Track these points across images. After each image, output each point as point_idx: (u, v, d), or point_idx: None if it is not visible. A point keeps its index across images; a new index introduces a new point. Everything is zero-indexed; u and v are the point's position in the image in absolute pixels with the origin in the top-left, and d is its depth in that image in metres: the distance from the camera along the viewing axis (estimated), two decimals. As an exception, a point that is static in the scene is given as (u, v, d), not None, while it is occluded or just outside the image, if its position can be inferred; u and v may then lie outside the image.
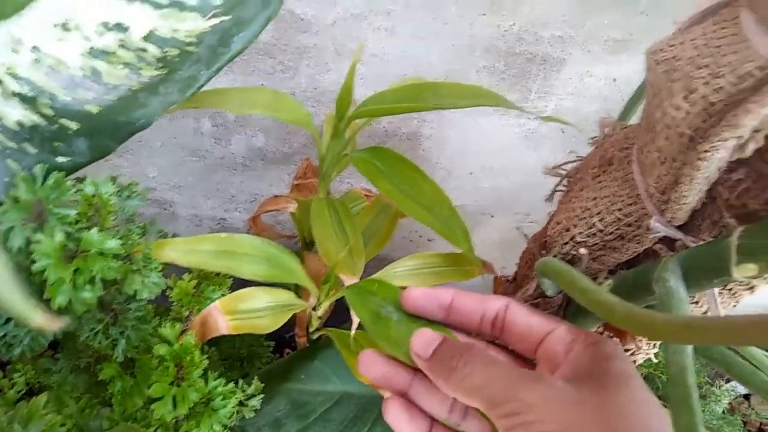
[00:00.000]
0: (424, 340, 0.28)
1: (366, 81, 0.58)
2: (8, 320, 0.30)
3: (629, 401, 0.24)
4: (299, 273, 0.41)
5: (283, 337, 0.76)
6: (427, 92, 0.41)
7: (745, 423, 0.94)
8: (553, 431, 0.23)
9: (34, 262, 0.28)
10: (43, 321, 0.17)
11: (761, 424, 0.98)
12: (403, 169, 0.42)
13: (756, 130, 0.24)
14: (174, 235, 0.44)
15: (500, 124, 0.64)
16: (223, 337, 0.41)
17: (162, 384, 0.32)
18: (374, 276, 0.44)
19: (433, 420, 0.30)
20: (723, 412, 0.88)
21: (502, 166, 0.71)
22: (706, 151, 0.25)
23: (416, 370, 0.30)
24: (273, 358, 0.56)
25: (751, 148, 0.24)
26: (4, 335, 0.30)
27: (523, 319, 0.28)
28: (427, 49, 0.55)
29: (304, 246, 0.58)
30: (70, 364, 0.38)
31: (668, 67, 0.26)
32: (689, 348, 0.23)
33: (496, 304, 0.29)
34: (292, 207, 0.55)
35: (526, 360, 0.29)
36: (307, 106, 0.60)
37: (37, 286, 0.30)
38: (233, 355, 0.58)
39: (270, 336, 0.49)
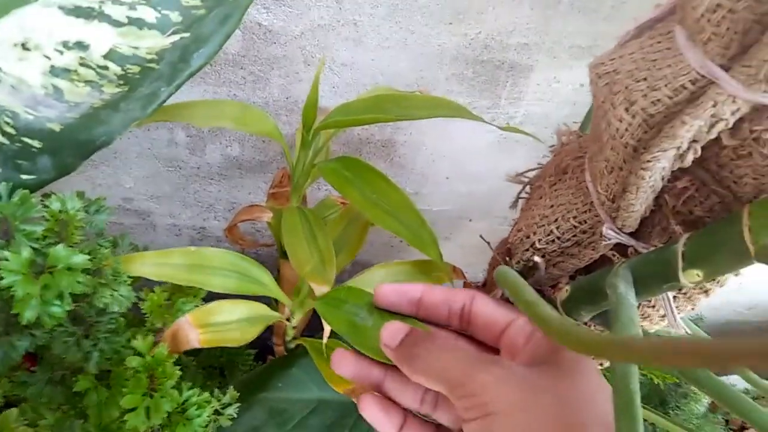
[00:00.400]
0: (391, 331, 0.30)
1: (338, 90, 0.59)
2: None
3: (581, 384, 0.25)
4: (271, 286, 0.41)
5: (266, 345, 0.76)
6: (390, 104, 0.41)
7: (727, 422, 0.95)
8: (504, 410, 0.24)
9: (1, 278, 0.28)
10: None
11: (743, 422, 0.99)
12: (370, 178, 0.43)
13: (694, 141, 0.25)
14: (145, 248, 0.44)
15: (473, 129, 0.64)
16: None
17: (135, 395, 0.32)
18: (344, 284, 0.44)
19: (406, 412, 0.31)
20: (705, 411, 0.89)
21: (477, 170, 0.71)
22: (648, 161, 0.26)
23: (388, 367, 0.31)
24: (254, 365, 0.56)
25: (689, 158, 0.25)
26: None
27: (487, 310, 0.30)
28: (396, 58, 0.56)
29: (281, 254, 0.59)
30: (46, 377, 0.38)
31: (609, 81, 0.26)
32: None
33: (462, 297, 0.30)
34: (267, 216, 0.55)
35: (491, 349, 0.30)
36: (281, 116, 0.61)
37: (4, 302, 0.31)
38: (213, 364, 0.59)
39: (253, 344, 0.50)
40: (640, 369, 0.78)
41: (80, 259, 0.31)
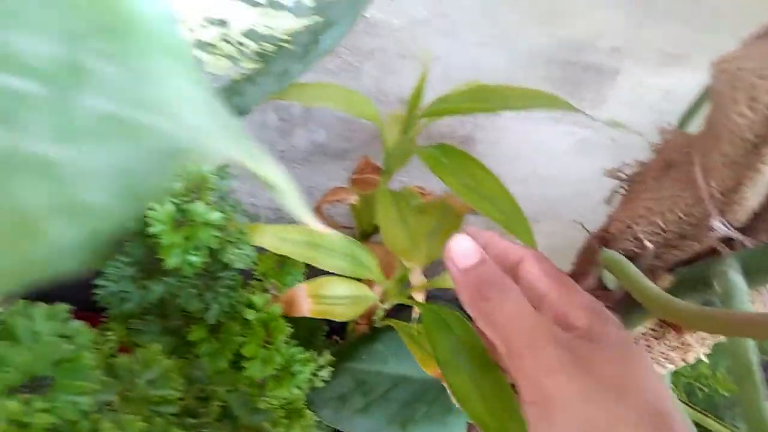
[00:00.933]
0: (462, 250, 0.29)
1: (430, 83, 0.61)
2: (122, 277, 0.34)
3: (640, 369, 0.25)
4: (375, 270, 0.44)
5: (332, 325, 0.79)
6: (490, 94, 0.43)
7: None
8: (566, 399, 0.24)
9: (149, 226, 0.32)
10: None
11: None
12: (466, 164, 0.45)
13: (817, 138, 0.26)
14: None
15: (552, 131, 0.66)
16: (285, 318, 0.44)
17: (252, 345, 0.35)
18: (441, 277, 0.46)
19: None
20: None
21: (552, 173, 0.73)
22: (767, 155, 0.27)
23: None
24: (328, 343, 0.59)
25: (812, 154, 0.26)
26: (119, 291, 0.34)
27: (533, 273, 0.29)
28: (486, 54, 0.58)
29: (360, 237, 0.61)
30: (159, 326, 0.41)
31: (732, 76, 0.28)
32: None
33: (517, 253, 0.30)
34: (353, 198, 0.58)
35: None
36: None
37: (147, 248, 0.34)
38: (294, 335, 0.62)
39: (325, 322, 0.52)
40: (701, 381, 0.77)
41: (216, 216, 0.34)
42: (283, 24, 0.37)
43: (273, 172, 0.11)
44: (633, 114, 0.64)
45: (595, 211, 0.49)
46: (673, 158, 0.35)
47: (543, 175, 0.73)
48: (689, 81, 0.61)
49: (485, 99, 0.42)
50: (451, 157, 0.45)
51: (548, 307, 0.28)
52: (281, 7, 0.37)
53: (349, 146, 0.69)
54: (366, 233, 0.60)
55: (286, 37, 0.37)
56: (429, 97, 0.60)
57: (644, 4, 0.52)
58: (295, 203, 0.11)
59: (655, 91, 0.61)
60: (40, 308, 0.27)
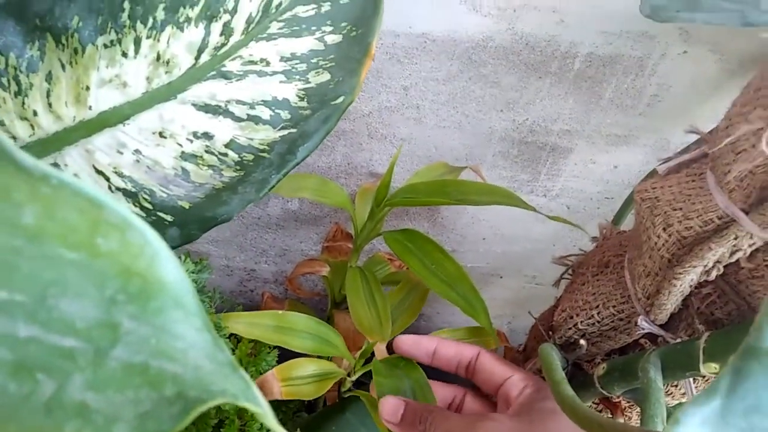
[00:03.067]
0: (390, 407, 0.36)
1: (398, 161, 0.66)
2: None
3: (558, 424, 0.32)
4: (341, 347, 0.47)
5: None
6: (452, 188, 0.48)
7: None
8: None
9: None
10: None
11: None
12: (429, 249, 0.49)
13: (718, 261, 0.30)
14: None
15: (512, 199, 0.71)
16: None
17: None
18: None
19: None
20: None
21: (512, 233, 0.77)
22: (680, 273, 0.32)
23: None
24: (297, 418, 0.62)
25: (714, 274, 0.31)
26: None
27: (489, 366, 0.37)
28: (450, 136, 0.63)
29: (333, 305, 0.65)
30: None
31: (651, 205, 0.33)
32: None
33: (469, 352, 0.38)
34: (325, 271, 0.62)
35: (489, 398, 0.37)
36: (340, 179, 0.68)
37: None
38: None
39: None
40: None
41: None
42: (261, 136, 0.41)
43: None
44: (584, 184, 0.69)
45: (551, 267, 0.54)
46: (609, 259, 0.40)
47: (505, 235, 0.78)
48: (633, 157, 0.67)
49: (446, 194, 0.46)
50: (415, 242, 0.49)
51: (510, 386, 0.34)
52: (260, 120, 0.41)
53: (321, 213, 0.73)
54: (337, 301, 0.64)
55: (264, 147, 0.41)
56: (397, 172, 0.64)
57: (591, 94, 0.58)
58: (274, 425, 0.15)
59: (604, 166, 0.67)
60: None
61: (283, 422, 0.52)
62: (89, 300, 0.14)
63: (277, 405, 0.56)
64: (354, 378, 0.51)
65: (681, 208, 0.31)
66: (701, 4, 0.39)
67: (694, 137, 0.36)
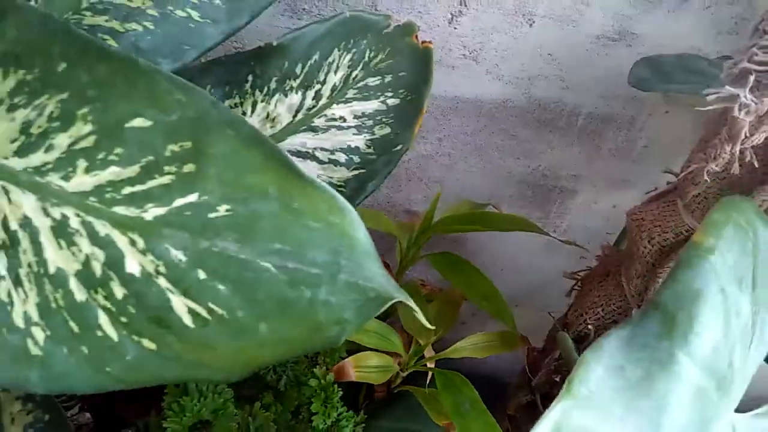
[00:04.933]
0: None
1: (430, 198, 0.78)
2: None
3: None
4: (399, 345, 0.58)
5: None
6: (482, 218, 0.60)
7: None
8: None
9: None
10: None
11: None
12: (466, 268, 0.61)
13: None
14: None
15: (527, 235, 0.83)
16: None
17: (317, 404, 0.49)
18: (449, 350, 0.61)
19: None
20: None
21: (527, 266, 0.89)
22: (661, 273, 0.43)
23: None
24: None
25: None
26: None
27: None
28: (475, 179, 0.75)
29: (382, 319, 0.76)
30: (234, 394, 0.55)
31: (639, 224, 0.45)
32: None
33: None
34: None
35: None
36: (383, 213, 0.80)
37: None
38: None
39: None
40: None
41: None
42: (339, 174, 0.54)
43: (409, 302, 0.27)
44: (589, 221, 0.81)
45: (560, 298, 0.65)
46: (609, 269, 0.51)
47: (520, 267, 0.90)
48: (629, 197, 0.79)
49: (476, 222, 0.58)
50: (453, 262, 0.61)
51: None
52: (338, 163, 0.54)
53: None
54: (384, 316, 0.75)
55: (341, 183, 0.53)
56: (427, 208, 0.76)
57: (593, 146, 0.71)
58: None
59: (605, 205, 0.79)
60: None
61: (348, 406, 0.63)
62: (325, 249, 0.26)
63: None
64: (405, 374, 0.61)
65: (660, 225, 0.43)
66: (674, 78, 0.53)
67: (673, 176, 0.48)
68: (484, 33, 0.61)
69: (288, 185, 0.26)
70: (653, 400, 0.24)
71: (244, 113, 0.51)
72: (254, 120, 0.52)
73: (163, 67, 0.43)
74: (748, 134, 0.31)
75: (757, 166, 0.34)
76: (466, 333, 0.85)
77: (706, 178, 0.36)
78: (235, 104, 0.51)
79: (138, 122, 0.27)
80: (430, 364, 0.60)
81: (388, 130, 0.56)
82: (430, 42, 0.54)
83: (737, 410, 0.29)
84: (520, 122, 0.69)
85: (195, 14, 0.44)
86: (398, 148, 0.55)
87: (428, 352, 0.57)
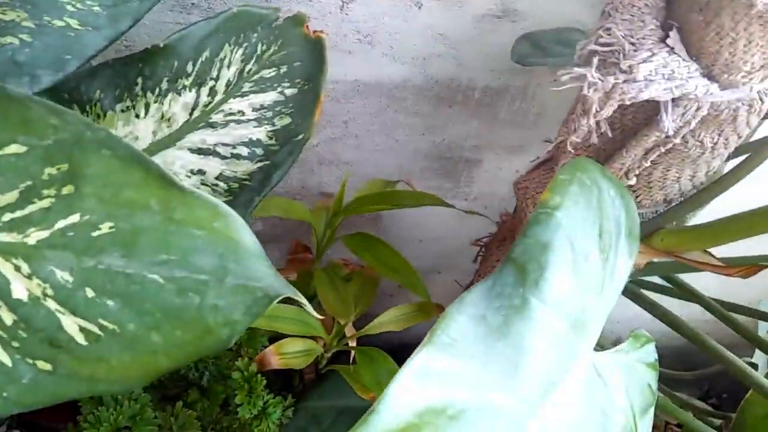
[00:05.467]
0: None
1: (340, 179, 0.80)
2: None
3: None
4: (319, 329, 0.60)
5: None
6: (390, 197, 0.63)
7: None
8: None
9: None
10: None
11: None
12: (379, 247, 0.63)
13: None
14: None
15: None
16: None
17: (241, 395, 0.50)
18: (368, 327, 0.63)
19: None
20: None
21: (443, 234, 0.93)
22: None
23: None
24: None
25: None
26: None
27: None
28: (385, 157, 0.77)
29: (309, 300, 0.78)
30: (158, 395, 0.55)
31: (524, 192, 0.48)
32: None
33: None
34: (293, 276, 0.75)
35: None
36: (297, 199, 0.81)
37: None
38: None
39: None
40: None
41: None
42: (243, 168, 0.54)
43: (299, 297, 0.29)
44: (495, 187, 0.86)
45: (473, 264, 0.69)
46: (506, 235, 0.55)
47: (437, 236, 0.94)
48: (528, 162, 0.84)
49: (385, 201, 0.61)
50: (367, 242, 0.64)
51: None
52: (241, 156, 0.54)
53: (281, 232, 0.86)
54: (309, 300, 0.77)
55: (246, 177, 0.54)
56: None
57: (490, 117, 0.74)
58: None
59: (510, 171, 0.83)
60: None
61: (275, 391, 0.65)
62: (211, 255, 0.28)
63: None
64: (329, 355, 0.64)
65: (541, 191, 0.46)
66: (551, 52, 0.56)
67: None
68: (375, 17, 0.62)
69: (169, 197, 0.27)
70: (512, 342, 0.27)
71: (137, 115, 0.51)
72: (149, 121, 0.52)
73: (44, 78, 0.42)
74: (598, 108, 0.35)
75: (611, 135, 0.38)
76: (391, 306, 0.88)
77: (569, 148, 0.39)
78: (127, 107, 0.50)
79: (13, 149, 0.27)
80: (352, 343, 0.63)
81: (288, 120, 0.57)
82: (321, 31, 0.55)
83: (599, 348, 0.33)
84: (421, 100, 0.71)
85: (74, 22, 0.43)
86: (300, 137, 0.56)
87: (349, 331, 0.60)
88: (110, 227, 0.27)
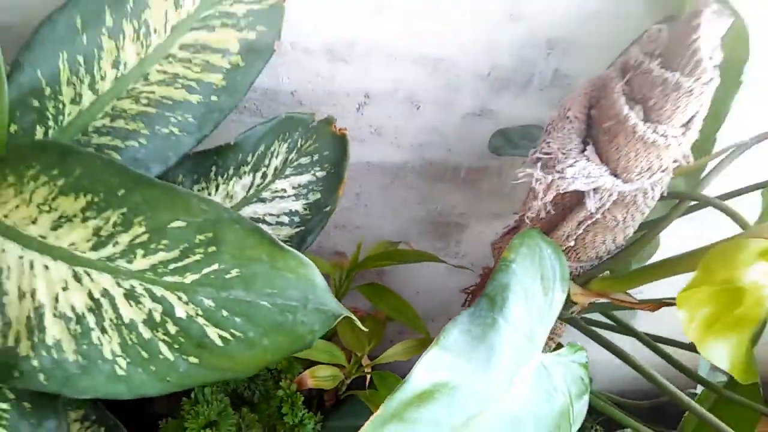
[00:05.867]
0: None
1: (353, 241, 0.97)
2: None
3: None
4: (342, 359, 0.76)
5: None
6: (395, 254, 0.79)
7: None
8: None
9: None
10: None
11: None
12: (387, 293, 0.79)
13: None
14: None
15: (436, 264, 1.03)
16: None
17: (286, 407, 0.65)
18: (381, 357, 0.78)
19: None
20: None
21: (437, 287, 1.09)
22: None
23: None
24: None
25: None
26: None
27: None
28: (388, 222, 0.95)
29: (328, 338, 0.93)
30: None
31: (498, 251, 0.65)
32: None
33: None
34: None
35: None
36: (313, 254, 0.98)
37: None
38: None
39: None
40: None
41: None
42: (284, 232, 0.71)
43: (351, 315, 0.45)
44: (479, 247, 1.03)
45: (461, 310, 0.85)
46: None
47: (431, 288, 1.10)
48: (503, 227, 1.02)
49: (392, 258, 0.78)
50: (377, 290, 0.80)
51: None
52: (283, 224, 0.71)
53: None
54: (329, 337, 0.92)
55: (287, 239, 0.71)
56: (352, 248, 0.95)
57: (475, 190, 0.92)
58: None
59: (491, 233, 1.01)
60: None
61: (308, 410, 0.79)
62: (298, 289, 0.44)
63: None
64: (349, 381, 0.79)
65: (511, 251, 0.63)
66: (519, 145, 0.75)
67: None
68: (383, 116, 0.81)
69: (273, 253, 0.44)
70: (486, 347, 0.43)
71: (209, 194, 0.68)
72: (217, 197, 0.69)
73: (154, 170, 0.60)
74: (543, 195, 0.52)
75: (554, 212, 0.55)
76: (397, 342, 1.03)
77: (527, 221, 0.57)
78: (202, 188, 0.68)
79: (176, 224, 0.43)
80: (368, 370, 0.78)
81: (319, 195, 0.74)
82: (345, 129, 0.74)
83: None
84: (418, 177, 0.89)
85: (176, 130, 0.60)
86: (328, 208, 0.73)
87: (365, 362, 0.75)
88: (237, 272, 0.44)
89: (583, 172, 0.50)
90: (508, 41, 0.75)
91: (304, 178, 0.74)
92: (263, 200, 0.71)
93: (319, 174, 0.74)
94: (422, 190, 0.91)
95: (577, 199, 0.55)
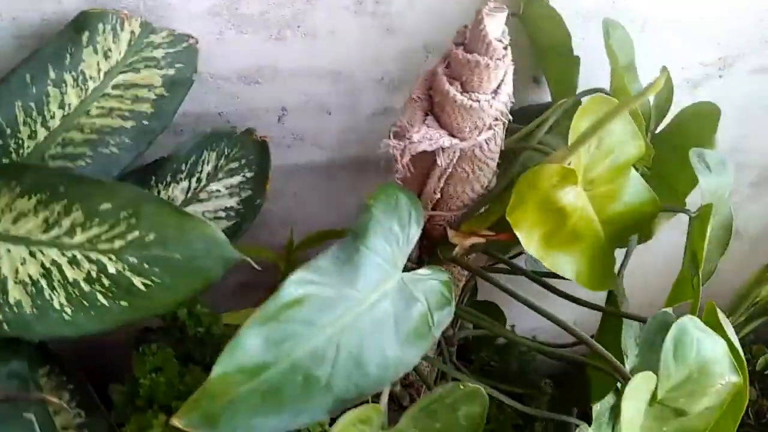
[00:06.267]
0: None
1: (298, 236, 1.11)
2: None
3: None
4: None
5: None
6: (325, 235, 0.93)
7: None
8: None
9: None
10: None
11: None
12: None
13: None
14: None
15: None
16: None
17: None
18: None
19: None
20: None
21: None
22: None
23: None
24: None
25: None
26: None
27: None
28: (326, 212, 1.09)
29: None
30: None
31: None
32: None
33: None
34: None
35: None
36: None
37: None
38: None
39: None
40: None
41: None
42: (222, 225, 0.85)
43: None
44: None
45: None
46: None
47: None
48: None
49: (323, 237, 0.91)
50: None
51: None
52: (221, 218, 0.86)
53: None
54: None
55: (225, 230, 0.85)
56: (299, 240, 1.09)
57: (391, 174, 1.06)
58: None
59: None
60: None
61: None
62: (204, 243, 0.58)
63: None
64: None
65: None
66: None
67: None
68: (302, 123, 0.96)
69: (182, 219, 0.58)
70: (352, 267, 0.56)
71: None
72: (162, 202, 0.83)
73: (101, 180, 0.74)
74: (400, 158, 0.67)
75: (415, 171, 0.69)
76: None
77: (398, 183, 0.71)
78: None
79: (105, 206, 0.58)
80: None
81: (250, 192, 0.89)
82: (265, 136, 0.89)
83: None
84: (343, 171, 1.04)
85: (115, 149, 0.75)
86: (258, 201, 0.88)
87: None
88: (154, 236, 0.58)
89: (426, 136, 0.65)
90: (392, 51, 0.90)
91: (236, 180, 0.88)
92: (201, 200, 0.86)
93: (248, 174, 0.89)
94: (350, 182, 1.05)
95: (432, 160, 0.69)
